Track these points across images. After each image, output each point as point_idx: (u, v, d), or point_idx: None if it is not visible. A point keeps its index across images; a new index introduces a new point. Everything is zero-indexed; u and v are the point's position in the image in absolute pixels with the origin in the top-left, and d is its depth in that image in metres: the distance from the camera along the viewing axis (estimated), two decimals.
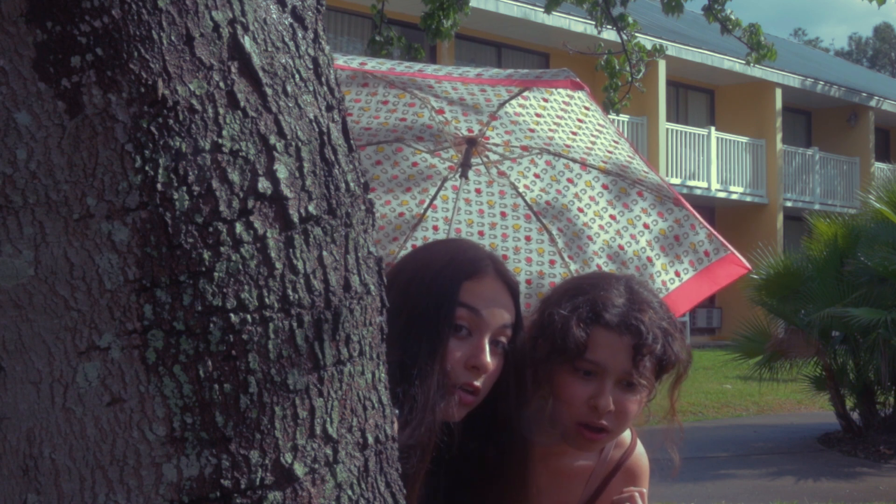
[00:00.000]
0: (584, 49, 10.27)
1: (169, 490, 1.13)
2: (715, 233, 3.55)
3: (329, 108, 1.25)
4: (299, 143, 1.19)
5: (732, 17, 8.87)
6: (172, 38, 1.11)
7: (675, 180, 22.66)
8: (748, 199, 24.66)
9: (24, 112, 1.08)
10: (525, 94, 3.29)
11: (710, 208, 24.21)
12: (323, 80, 1.25)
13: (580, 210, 3.58)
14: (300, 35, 1.23)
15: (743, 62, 10.74)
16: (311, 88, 1.22)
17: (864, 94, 27.68)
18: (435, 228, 3.81)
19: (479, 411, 1.87)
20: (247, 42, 1.16)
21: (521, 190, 3.66)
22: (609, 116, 9.98)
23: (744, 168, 24.58)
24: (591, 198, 3.56)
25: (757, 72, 23.40)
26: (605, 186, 3.54)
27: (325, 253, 1.21)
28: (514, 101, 3.33)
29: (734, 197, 24.34)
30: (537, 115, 3.39)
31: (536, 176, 3.62)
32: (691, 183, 23.21)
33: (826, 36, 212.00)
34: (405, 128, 3.53)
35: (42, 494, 1.15)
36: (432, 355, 1.78)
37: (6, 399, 1.15)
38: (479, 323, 1.84)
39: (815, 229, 11.80)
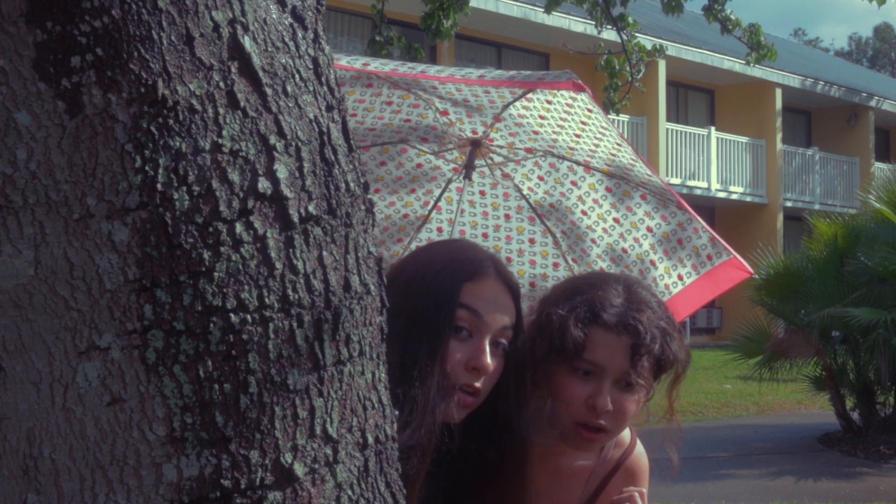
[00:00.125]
0: (584, 49, 10.27)
1: (169, 490, 1.13)
2: (717, 236, 3.56)
3: (329, 108, 1.25)
4: (299, 143, 1.19)
5: (732, 17, 8.87)
6: (172, 38, 1.11)
7: (675, 180, 22.66)
8: (748, 199, 24.66)
9: (24, 112, 1.08)
10: (529, 96, 3.30)
11: (710, 208, 24.21)
12: (323, 80, 1.25)
13: (584, 213, 3.58)
14: (300, 35, 1.23)
15: (743, 62, 10.74)
16: (311, 88, 1.22)
17: (864, 94, 27.68)
18: (439, 230, 3.82)
19: (478, 412, 1.87)
20: (247, 42, 1.16)
21: (525, 192, 3.66)
22: (609, 116, 9.99)
23: (744, 168, 24.58)
24: (595, 200, 3.56)
25: (757, 72, 23.40)
26: (608, 189, 3.54)
27: (325, 253, 1.21)
28: (517, 103, 3.33)
29: (734, 197, 24.34)
30: (541, 117, 3.39)
31: (540, 178, 3.63)
32: (691, 183, 23.21)
33: (826, 36, 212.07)
34: (409, 129, 3.53)
35: (42, 494, 1.15)
36: (432, 356, 1.78)
37: (6, 399, 1.15)
38: (479, 324, 1.84)
39: (815, 229, 11.80)
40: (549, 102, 3.33)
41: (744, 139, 24.59)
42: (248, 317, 1.15)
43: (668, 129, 23.09)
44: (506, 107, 3.35)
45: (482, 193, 3.75)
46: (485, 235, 3.75)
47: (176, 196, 1.11)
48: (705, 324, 24.18)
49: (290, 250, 1.18)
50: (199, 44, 1.12)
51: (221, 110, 1.13)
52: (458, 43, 19.75)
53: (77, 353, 1.12)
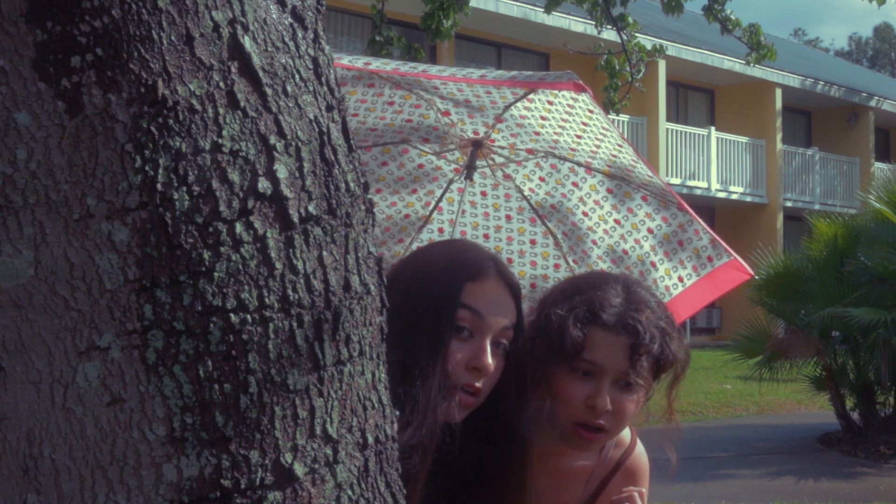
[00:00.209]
0: (584, 49, 10.27)
1: (169, 490, 1.13)
2: (718, 238, 3.56)
3: (329, 108, 1.25)
4: (299, 143, 1.19)
5: (732, 17, 8.87)
6: (172, 38, 1.11)
7: (675, 180, 22.66)
8: (748, 199, 24.66)
9: (24, 112, 1.08)
10: (530, 96, 3.30)
11: (710, 208, 24.21)
12: (323, 80, 1.25)
13: (585, 214, 3.58)
14: (300, 35, 1.23)
15: (743, 62, 10.74)
16: (311, 88, 1.22)
17: (864, 94, 27.68)
18: (440, 231, 3.82)
19: (479, 412, 1.87)
20: (247, 42, 1.16)
21: (526, 193, 3.66)
22: (609, 116, 9.99)
23: (744, 168, 24.58)
24: (596, 202, 3.56)
25: (757, 72, 23.40)
26: (609, 190, 3.55)
27: (325, 253, 1.21)
28: (519, 104, 3.33)
29: (734, 197, 24.33)
30: (542, 117, 3.39)
31: (542, 179, 3.63)
32: (691, 183, 23.21)
33: (826, 36, 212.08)
34: (411, 129, 3.53)
35: (42, 494, 1.15)
36: (434, 356, 1.78)
37: (6, 399, 1.15)
38: (480, 324, 1.84)
39: (815, 229, 11.80)
40: (550, 103, 3.33)
41: (744, 139, 24.59)
42: (248, 317, 1.15)
43: (668, 129, 23.09)
44: (507, 107, 3.35)
45: (483, 194, 3.75)
46: (486, 236, 3.75)
47: (176, 196, 1.11)
48: (705, 324, 24.18)
49: (290, 250, 1.18)
50: (199, 44, 1.12)
51: (221, 110, 1.13)
52: (458, 43, 19.75)
53: (77, 353, 1.12)
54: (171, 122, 1.10)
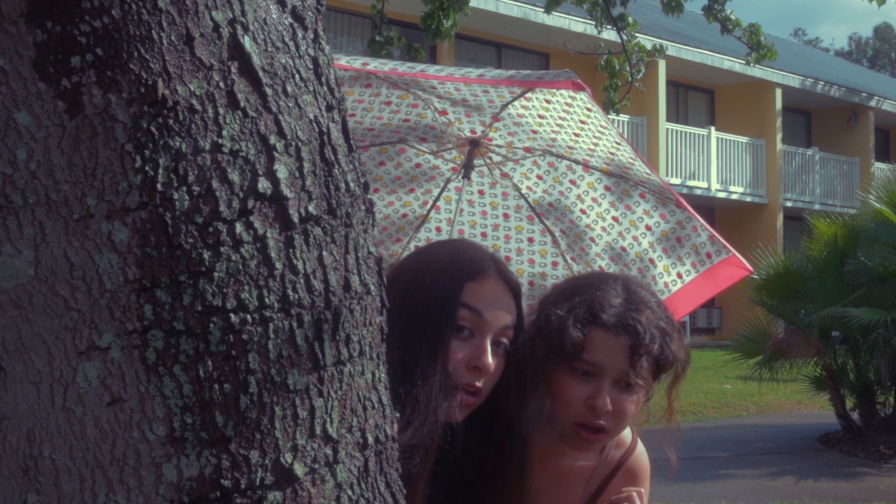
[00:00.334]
0: (584, 49, 10.27)
1: (169, 490, 1.13)
2: (716, 235, 3.56)
3: (329, 108, 1.25)
4: (299, 143, 1.19)
5: (732, 17, 8.87)
6: (172, 38, 1.11)
7: (675, 180, 22.66)
8: (748, 199, 24.66)
9: (24, 112, 1.08)
10: (528, 95, 3.30)
11: (710, 208, 24.21)
12: (323, 80, 1.25)
13: (583, 212, 3.58)
14: (300, 35, 1.23)
15: (743, 62, 10.74)
16: (311, 88, 1.22)
17: (864, 94, 27.68)
18: (438, 230, 3.82)
19: (479, 412, 1.87)
20: (247, 42, 1.16)
21: (523, 191, 3.66)
22: (609, 116, 9.98)
23: (744, 168, 24.58)
24: (594, 199, 3.56)
25: (757, 72, 23.40)
26: (607, 188, 3.55)
27: (325, 253, 1.21)
28: (516, 103, 3.33)
29: (734, 197, 24.33)
30: (540, 116, 3.39)
31: (539, 177, 3.63)
32: (691, 183, 23.21)
33: (826, 36, 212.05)
34: (408, 128, 3.53)
35: (42, 494, 1.15)
36: (434, 356, 1.78)
37: (6, 399, 1.15)
38: (480, 324, 1.84)
39: (815, 229, 11.80)
40: (547, 102, 3.34)
41: (744, 139, 24.59)
42: (248, 317, 1.15)
43: (668, 129, 23.09)
44: (504, 106, 3.36)
45: (481, 193, 3.75)
46: (483, 234, 3.75)
47: (176, 196, 1.11)
48: (705, 324, 24.18)
49: (290, 250, 1.18)
50: (199, 44, 1.12)
51: (221, 110, 1.13)
52: (458, 43, 19.75)
53: (77, 353, 1.12)
54: (171, 122, 1.10)
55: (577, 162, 3.53)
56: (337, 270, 1.22)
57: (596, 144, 3.43)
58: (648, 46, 9.23)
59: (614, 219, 3.55)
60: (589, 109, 3.31)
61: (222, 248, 1.13)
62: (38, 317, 1.12)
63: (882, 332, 10.17)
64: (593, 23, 8.97)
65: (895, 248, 10.68)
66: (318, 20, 1.27)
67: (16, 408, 1.15)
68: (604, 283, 2.08)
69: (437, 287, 1.84)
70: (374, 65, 3.34)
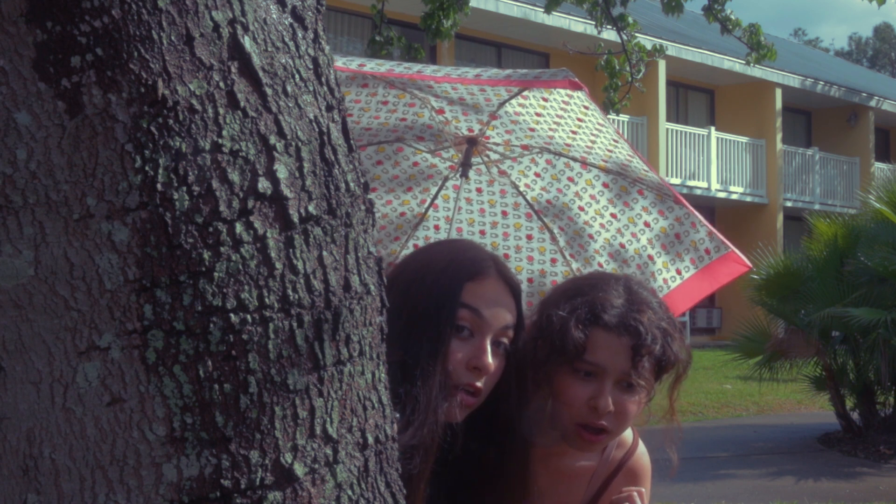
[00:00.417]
0: (584, 49, 10.27)
1: (169, 490, 1.13)
2: (715, 231, 3.56)
3: (329, 108, 1.25)
4: (299, 143, 1.19)
5: (732, 17, 8.87)
6: (172, 38, 1.11)
7: (675, 180, 22.66)
8: (748, 199, 24.66)
9: (24, 112, 1.08)
10: (525, 93, 3.30)
11: (710, 208, 24.21)
12: (323, 80, 1.25)
13: (581, 208, 3.58)
14: (300, 35, 1.23)
15: (743, 62, 10.74)
16: (311, 88, 1.22)
17: (864, 94, 27.68)
18: (436, 228, 3.82)
19: (480, 412, 1.87)
20: (247, 42, 1.16)
21: (521, 189, 3.66)
22: (609, 116, 9.97)
23: (744, 168, 24.58)
24: (592, 196, 3.56)
25: (757, 72, 23.40)
26: (605, 185, 3.55)
27: (325, 253, 1.21)
28: (513, 101, 3.33)
29: (734, 197, 24.34)
30: (537, 114, 3.39)
31: (537, 175, 3.63)
32: (691, 183, 23.21)
33: (826, 36, 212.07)
34: (405, 128, 3.53)
35: (42, 494, 1.15)
36: (434, 356, 1.78)
37: (6, 399, 1.15)
38: (480, 324, 1.84)
39: (815, 229, 11.80)
40: (545, 100, 3.33)
41: (744, 139, 24.60)
42: (248, 317, 1.15)
43: (668, 129, 23.09)
44: (501, 104, 3.35)
45: (479, 191, 3.75)
46: (482, 232, 3.75)
47: (176, 196, 1.11)
48: (705, 324, 24.18)
49: (290, 250, 1.18)
50: (199, 44, 1.12)
51: (221, 110, 1.13)
52: (458, 43, 19.75)
53: (77, 353, 1.12)
54: (171, 122, 1.10)
55: (574, 159, 3.53)
56: (337, 270, 1.22)
57: (593, 142, 3.43)
58: (648, 46, 9.23)
59: (612, 215, 3.55)
60: (586, 107, 3.31)
61: (222, 248, 1.13)
62: (38, 317, 1.12)
63: (882, 332, 10.18)
64: (593, 23, 8.96)
65: (895, 248, 10.68)
66: (318, 20, 1.27)
67: (16, 408, 1.15)
68: (605, 283, 2.08)
69: (437, 287, 1.84)
70: (371, 66, 3.34)
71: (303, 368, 1.18)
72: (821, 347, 10.89)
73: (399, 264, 2.02)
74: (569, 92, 3.24)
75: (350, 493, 1.23)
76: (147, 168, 1.10)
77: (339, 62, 3.27)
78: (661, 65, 21.81)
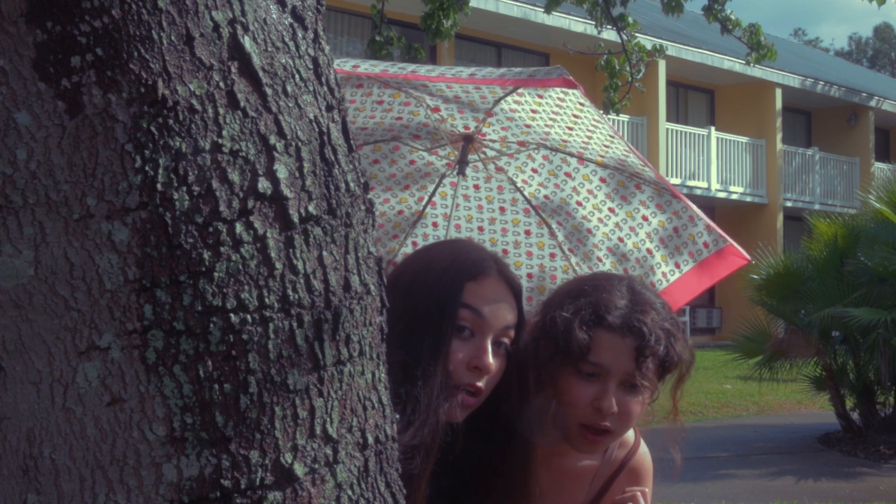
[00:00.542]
0: (584, 49, 10.27)
1: (169, 490, 1.13)
2: (713, 224, 3.56)
3: (329, 108, 1.25)
4: (299, 143, 1.19)
5: (732, 17, 8.87)
6: (172, 38, 1.11)
7: (675, 180, 22.66)
8: (748, 199, 24.67)
9: (24, 112, 1.08)
10: (520, 90, 3.30)
11: (710, 208, 24.20)
12: (323, 80, 1.25)
13: (579, 203, 3.59)
14: (300, 35, 1.23)
15: (743, 62, 10.74)
16: (311, 88, 1.22)
17: (864, 94, 27.68)
18: (434, 225, 3.82)
19: (481, 412, 1.87)
20: (247, 42, 1.16)
21: (519, 185, 3.67)
22: (609, 116, 9.96)
23: (744, 168, 24.58)
24: (590, 191, 3.57)
25: (757, 72, 23.40)
26: (602, 180, 3.55)
27: (325, 253, 1.21)
28: (509, 98, 3.33)
29: (734, 197, 24.34)
30: (533, 111, 3.39)
31: (534, 171, 3.63)
32: (691, 183, 23.21)
33: (826, 36, 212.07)
34: (401, 126, 3.54)
35: (42, 494, 1.15)
36: (435, 356, 1.78)
37: (6, 399, 1.15)
38: (481, 324, 1.84)
39: (815, 229, 11.80)
40: (540, 97, 3.34)
41: (744, 139, 24.60)
42: (248, 317, 1.15)
43: (668, 129, 23.09)
44: (497, 101, 3.36)
45: (476, 187, 3.76)
46: (480, 229, 3.75)
47: (176, 196, 1.11)
48: (705, 324, 24.18)
49: (290, 250, 1.18)
50: (199, 44, 1.12)
51: (221, 110, 1.13)
52: (458, 43, 19.75)
53: (77, 353, 1.12)
54: (171, 122, 1.10)
55: (571, 155, 3.53)
56: (337, 270, 1.22)
57: (590, 138, 3.43)
58: (648, 46, 9.23)
59: (610, 210, 3.56)
60: (581, 105, 3.31)
61: (222, 248, 1.13)
62: (38, 317, 1.12)
63: (882, 332, 10.17)
64: (593, 23, 8.96)
65: (895, 248, 10.68)
66: (318, 20, 1.27)
67: (16, 408, 1.15)
68: (609, 284, 2.08)
69: (438, 287, 1.84)
70: (365, 67, 3.34)
71: (303, 368, 1.18)
72: (821, 347, 10.88)
73: (400, 264, 2.02)
74: (564, 90, 3.24)
75: (350, 493, 1.23)
76: (147, 168, 1.10)
77: (334, 64, 3.26)
78: (661, 65, 21.81)
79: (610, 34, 9.21)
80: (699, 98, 25.98)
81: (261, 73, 1.16)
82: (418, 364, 1.76)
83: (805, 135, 28.09)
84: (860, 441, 10.73)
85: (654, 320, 2.01)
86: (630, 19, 8.64)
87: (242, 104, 1.15)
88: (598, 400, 1.98)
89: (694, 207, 3.53)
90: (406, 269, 1.94)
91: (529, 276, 3.67)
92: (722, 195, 24.05)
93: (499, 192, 3.74)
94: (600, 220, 3.57)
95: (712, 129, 24.19)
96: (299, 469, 1.18)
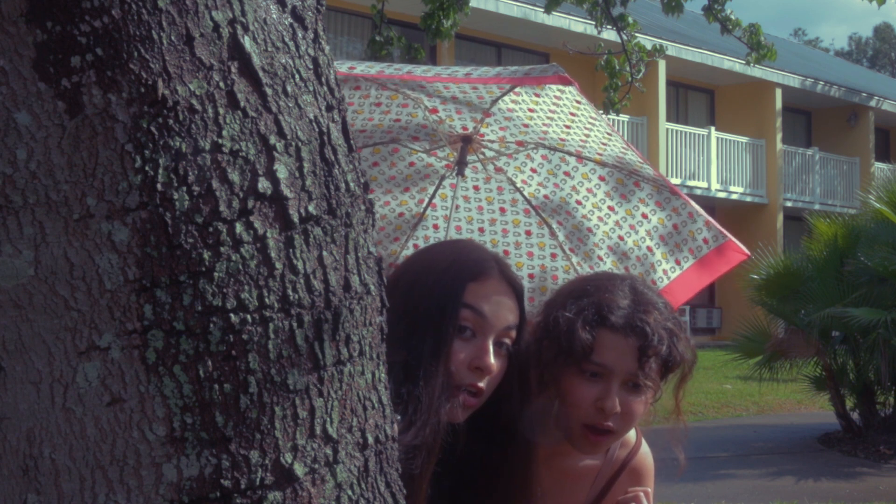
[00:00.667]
0: (584, 49, 10.27)
1: (169, 490, 1.13)
2: (712, 220, 3.56)
3: (329, 108, 1.25)
4: (299, 143, 1.19)
5: (732, 17, 8.87)
6: (172, 38, 1.11)
7: (676, 180, 22.65)
8: (748, 199, 24.66)
9: (24, 112, 1.08)
10: (517, 89, 3.30)
11: (710, 208, 24.15)
12: (323, 80, 1.25)
13: (578, 202, 3.59)
14: (300, 35, 1.23)
15: (743, 62, 10.75)
16: (311, 88, 1.22)
17: (864, 94, 27.68)
18: (435, 227, 3.82)
19: (482, 412, 1.87)
20: (247, 42, 1.16)
21: (518, 185, 3.67)
22: (609, 116, 9.96)
23: (744, 168, 24.58)
24: (589, 190, 3.57)
25: (757, 72, 23.40)
26: (601, 178, 3.55)
27: (325, 253, 1.21)
28: (506, 98, 3.33)
29: (734, 197, 24.34)
30: (530, 110, 3.39)
31: (533, 170, 3.64)
32: (691, 183, 23.21)
33: (826, 36, 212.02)
34: (400, 128, 3.54)
35: (42, 494, 1.15)
36: (436, 356, 1.78)
37: (6, 399, 1.15)
38: (482, 324, 1.84)
39: (815, 229, 11.80)
40: (537, 95, 3.34)
41: (744, 139, 24.60)
42: (248, 317, 1.15)
43: (668, 129, 23.09)
44: (494, 101, 3.36)
45: (476, 188, 3.76)
46: (481, 230, 3.75)
47: (176, 196, 1.11)
48: (705, 324, 24.18)
49: (290, 250, 1.18)
50: (199, 44, 1.12)
51: (221, 110, 1.13)
52: (458, 43, 19.75)
53: (77, 353, 1.12)
54: (171, 122, 1.10)
55: (569, 153, 3.53)
56: (337, 270, 1.22)
57: (587, 136, 3.44)
58: (648, 46, 9.24)
59: (610, 208, 3.56)
60: (578, 102, 3.32)
61: (222, 248, 1.13)
62: (38, 317, 1.12)
63: (882, 332, 10.17)
64: (593, 23, 8.97)
65: (895, 248, 10.68)
66: (318, 20, 1.27)
67: (16, 408, 1.15)
68: (611, 284, 2.08)
69: (439, 287, 1.84)
70: (361, 68, 3.34)
71: (303, 368, 1.18)
72: (821, 347, 10.88)
73: (401, 265, 2.02)
74: (560, 88, 3.24)
75: (350, 493, 1.23)
76: (147, 168, 1.10)
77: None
78: (661, 65, 21.81)
79: (610, 34, 9.21)
80: (699, 98, 25.98)
81: (261, 73, 1.16)
82: (420, 364, 1.76)
83: (805, 135, 28.09)
84: (860, 441, 10.73)
85: (656, 320, 2.01)
86: (630, 19, 8.64)
87: (242, 104, 1.15)
88: (601, 400, 1.98)
89: (693, 204, 3.53)
90: (407, 270, 1.94)
91: (531, 276, 3.67)
92: (722, 195, 24.05)
93: (498, 193, 3.74)
94: (600, 218, 3.57)
95: (712, 129, 24.19)
96: (299, 469, 1.18)
